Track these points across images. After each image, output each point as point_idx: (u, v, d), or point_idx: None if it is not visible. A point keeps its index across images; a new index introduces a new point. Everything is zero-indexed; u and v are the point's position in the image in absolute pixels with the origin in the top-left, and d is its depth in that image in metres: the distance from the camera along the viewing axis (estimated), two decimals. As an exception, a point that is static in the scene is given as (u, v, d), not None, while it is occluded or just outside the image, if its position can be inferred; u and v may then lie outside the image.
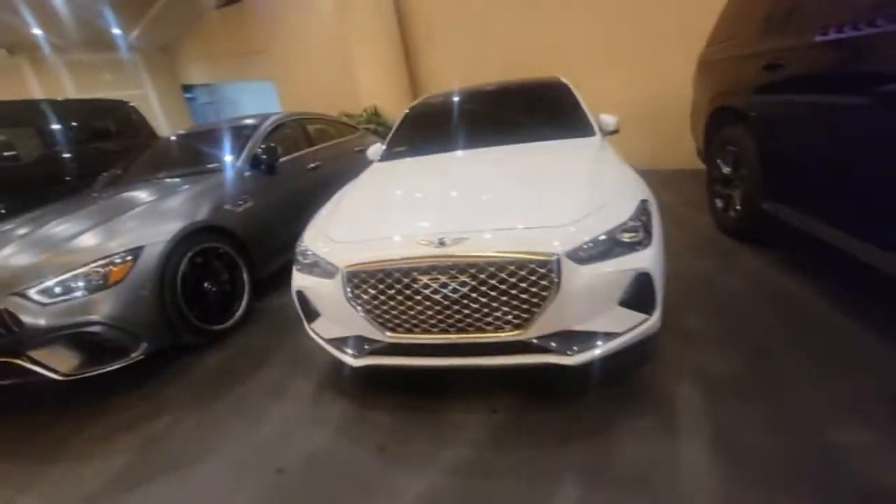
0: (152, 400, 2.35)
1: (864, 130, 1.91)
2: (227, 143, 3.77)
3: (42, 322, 2.20)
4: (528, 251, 1.67)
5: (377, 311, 1.84)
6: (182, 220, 2.73)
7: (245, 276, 3.11)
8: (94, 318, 2.27)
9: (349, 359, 1.98)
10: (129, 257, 2.41)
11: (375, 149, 3.30)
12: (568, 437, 1.67)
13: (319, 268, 2.01)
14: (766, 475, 1.40)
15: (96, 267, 2.33)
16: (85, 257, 2.35)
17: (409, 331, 1.84)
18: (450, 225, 1.84)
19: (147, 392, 2.42)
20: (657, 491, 1.41)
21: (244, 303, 3.07)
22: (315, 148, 4.35)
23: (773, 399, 1.70)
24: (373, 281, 1.82)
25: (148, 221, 2.66)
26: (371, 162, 3.28)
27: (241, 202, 3.19)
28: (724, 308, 2.30)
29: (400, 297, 1.79)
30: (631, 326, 1.77)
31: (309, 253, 2.07)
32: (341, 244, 1.96)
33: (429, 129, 3.31)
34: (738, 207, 3.07)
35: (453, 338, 1.79)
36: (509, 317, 1.72)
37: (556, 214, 1.79)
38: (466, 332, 1.78)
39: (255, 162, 3.51)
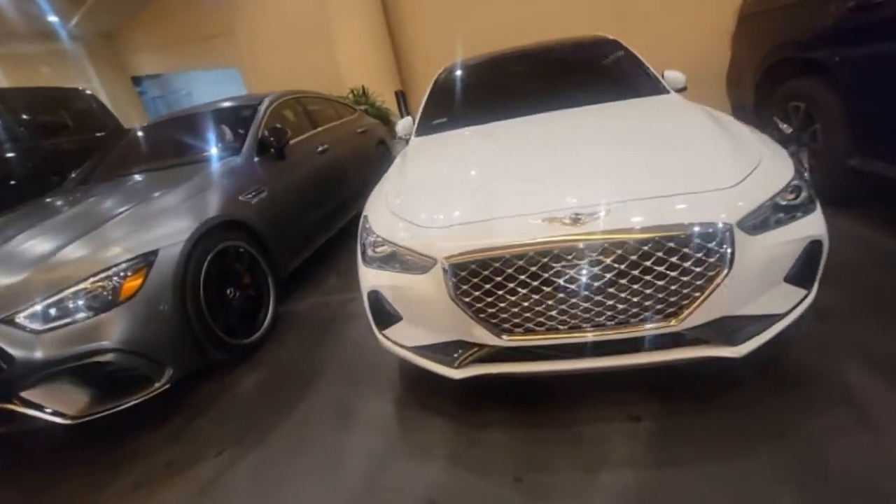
0: (186, 438, 1.91)
1: None
2: (222, 128, 3.26)
3: (38, 354, 1.72)
4: (690, 222, 1.34)
5: (490, 310, 1.48)
6: (196, 216, 2.26)
7: (269, 277, 2.66)
8: (106, 343, 1.80)
9: (448, 370, 1.61)
10: (142, 265, 1.94)
11: (405, 124, 2.89)
12: (747, 443, 1.38)
13: (403, 261, 1.63)
14: None
15: (100, 280, 1.85)
16: (83, 270, 1.86)
17: (529, 331, 1.49)
18: (575, 197, 1.48)
19: (176, 428, 1.98)
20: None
21: (270, 309, 2.63)
22: (319, 130, 3.87)
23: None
24: (486, 273, 1.45)
25: (155, 221, 2.17)
26: (403, 139, 2.88)
27: (253, 192, 2.72)
28: (848, 277, 2.04)
29: (523, 291, 1.43)
30: (793, 305, 1.49)
31: (385, 243, 1.68)
32: (433, 230, 1.57)
33: (471, 96, 2.92)
34: (808, 167, 2.85)
35: (590, 336, 1.46)
36: (661, 305, 1.40)
37: (709, 176, 1.46)
38: (604, 327, 1.44)
39: (262, 146, 3.02)
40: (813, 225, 1.44)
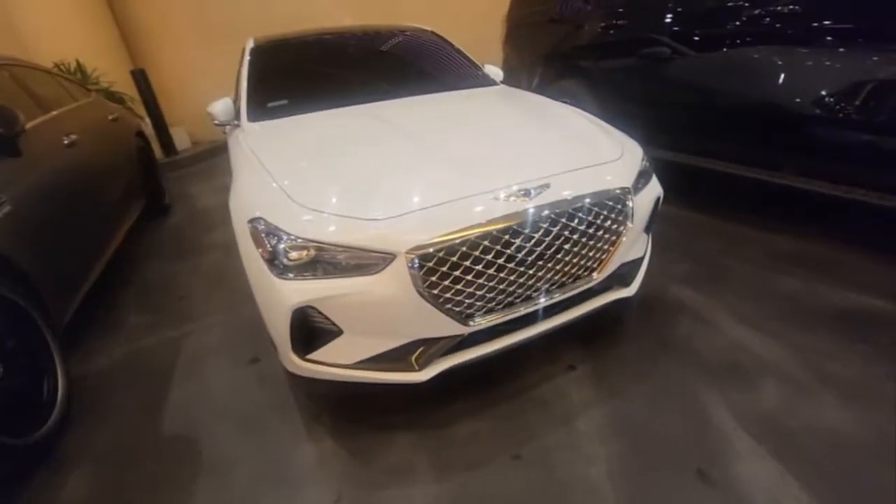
0: None
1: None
2: None
3: None
4: (614, 186, 1.58)
5: (457, 298, 1.40)
6: None
7: (46, 332, 1.77)
8: None
9: (409, 375, 1.46)
10: None
11: (224, 106, 2.34)
12: (652, 360, 1.74)
13: (340, 263, 1.36)
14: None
15: None
16: None
17: (489, 311, 1.48)
18: (506, 176, 1.52)
19: None
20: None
21: (60, 378, 1.77)
22: (56, 114, 2.71)
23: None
24: (453, 259, 1.36)
25: None
26: (225, 124, 2.34)
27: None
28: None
29: (489, 271, 1.41)
30: (645, 248, 1.94)
31: (308, 246, 1.35)
32: (383, 221, 1.35)
33: (301, 79, 2.55)
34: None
35: (541, 303, 1.55)
36: (590, 262, 1.61)
37: (599, 152, 1.73)
38: (550, 293, 1.57)
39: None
40: (657, 185, 1.89)
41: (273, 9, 6.18)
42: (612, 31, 3.17)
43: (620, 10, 3.12)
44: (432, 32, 3.04)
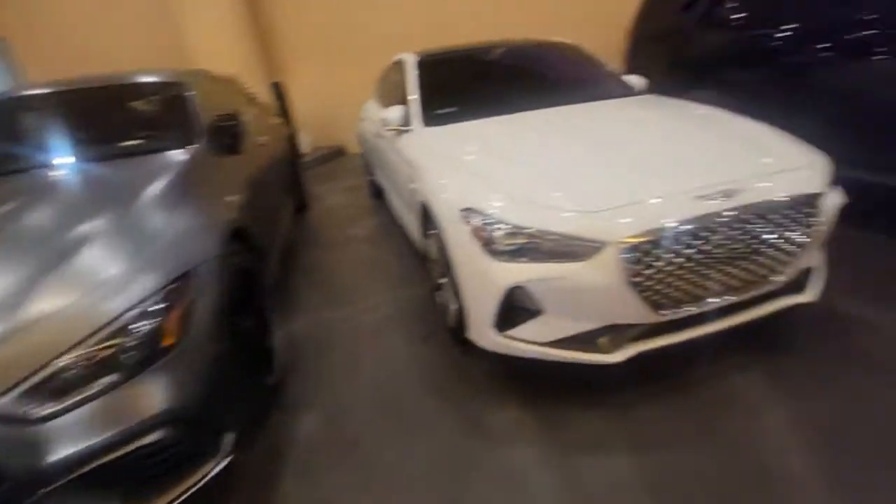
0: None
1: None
2: (149, 111, 2.44)
3: (48, 457, 1.06)
4: (801, 192, 1.62)
5: (656, 288, 1.52)
6: (212, 223, 1.67)
7: (267, 294, 2.13)
8: (155, 413, 1.21)
9: (602, 356, 1.59)
10: (180, 295, 1.35)
11: (397, 112, 2.64)
12: (832, 372, 1.74)
13: (550, 249, 1.53)
14: None
15: (131, 321, 1.22)
16: (99, 309, 1.21)
17: (679, 302, 1.58)
18: (699, 178, 1.62)
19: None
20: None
21: (278, 335, 2.11)
22: (248, 118, 3.20)
23: None
24: (657, 252, 1.49)
25: (164, 231, 1.52)
26: (395, 130, 2.64)
27: (233, 191, 2.13)
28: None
29: (687, 265, 1.52)
30: (821, 257, 1.93)
31: (522, 233, 1.55)
32: (596, 214, 1.52)
33: (465, 90, 2.83)
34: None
35: (727, 300, 1.63)
36: (776, 264, 1.66)
37: (787, 158, 1.77)
38: (736, 291, 1.63)
39: (214, 138, 2.37)
40: (839, 194, 1.88)
41: (379, 30, 6.64)
42: (754, 39, 3.13)
43: (765, 18, 3.08)
44: (574, 46, 3.20)
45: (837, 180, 1.80)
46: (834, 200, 1.77)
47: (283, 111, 6.15)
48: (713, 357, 1.83)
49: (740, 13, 3.25)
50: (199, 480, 1.31)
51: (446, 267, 1.98)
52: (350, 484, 1.51)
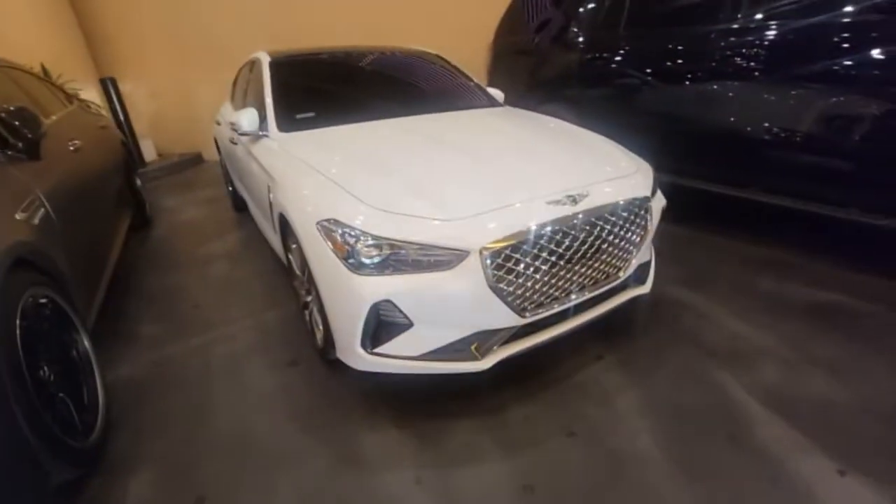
0: None
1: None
2: None
3: None
4: (643, 195, 1.82)
5: (518, 292, 1.56)
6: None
7: (84, 335, 1.74)
8: None
9: (471, 364, 1.59)
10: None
11: (250, 116, 2.39)
12: (673, 350, 1.97)
13: (415, 260, 1.49)
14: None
15: None
16: None
17: (539, 305, 1.65)
18: (547, 184, 1.71)
19: None
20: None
21: (99, 382, 1.73)
22: (55, 119, 2.63)
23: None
24: (517, 256, 1.52)
25: None
26: (248, 134, 2.39)
27: (27, 208, 1.69)
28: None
29: (544, 268, 1.59)
30: (651, 252, 2.20)
31: (384, 244, 1.47)
32: (456, 222, 1.50)
33: (323, 95, 2.65)
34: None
35: (581, 298, 1.74)
36: (618, 261, 1.83)
37: (622, 165, 1.97)
38: (588, 289, 1.76)
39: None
40: (662, 197, 2.16)
41: (235, 30, 6.11)
42: (596, 62, 3.53)
43: (602, 44, 3.49)
44: (438, 56, 3.25)
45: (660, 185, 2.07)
46: (659, 203, 2.02)
47: (116, 113, 5.29)
48: (567, 353, 1.96)
49: (582, 38, 3.64)
50: None
51: (311, 283, 1.82)
52: (194, 552, 1.26)
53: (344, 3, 5.99)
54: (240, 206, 3.90)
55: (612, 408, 1.68)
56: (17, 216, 1.57)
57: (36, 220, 1.67)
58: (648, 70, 3.15)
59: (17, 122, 1.91)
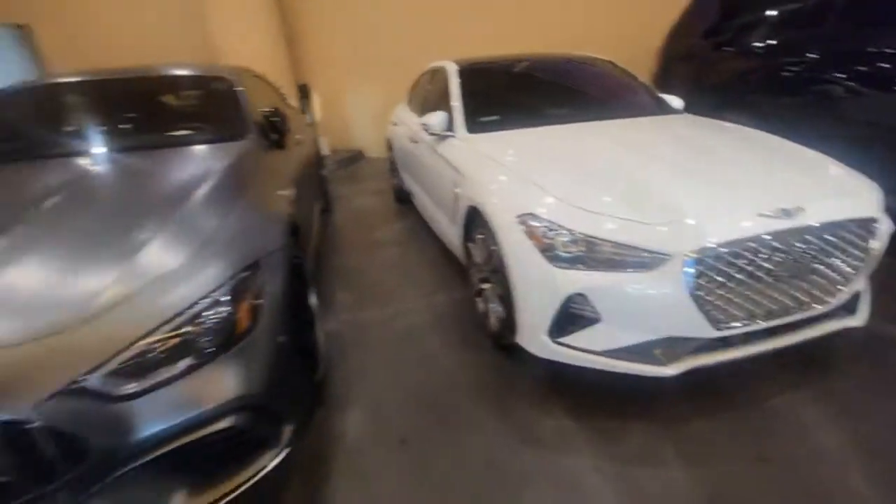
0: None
1: None
2: (199, 103, 2.47)
3: (130, 435, 1.06)
4: (858, 216, 1.64)
5: (716, 303, 1.53)
6: (274, 215, 1.70)
7: (312, 290, 2.14)
8: (229, 399, 1.21)
9: (657, 368, 1.59)
10: (250, 285, 1.35)
11: (440, 118, 2.67)
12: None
13: (612, 259, 1.55)
14: None
15: (204, 309, 1.22)
16: (173, 298, 1.21)
17: (737, 319, 1.59)
18: (766, 196, 1.63)
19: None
20: None
21: (319, 331, 2.11)
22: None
23: None
24: (720, 266, 1.50)
25: (228, 222, 1.52)
26: (437, 135, 2.66)
27: (285, 186, 2.14)
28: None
29: (748, 282, 1.53)
30: (866, 282, 1.94)
31: (584, 241, 1.56)
32: (661, 227, 1.53)
33: (505, 100, 2.87)
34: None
35: (783, 320, 1.63)
36: (830, 286, 1.67)
37: (842, 182, 1.80)
38: (791, 312, 1.64)
39: (262, 133, 2.39)
40: (889, 221, 1.89)
41: (399, 41, 6.69)
42: (781, 67, 3.18)
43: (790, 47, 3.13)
44: (610, 62, 3.25)
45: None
46: (887, 226, 1.79)
47: (305, 113, 6.21)
48: (761, 375, 1.84)
49: (766, 41, 3.32)
50: (260, 471, 1.30)
51: (493, 272, 2.00)
52: (402, 485, 1.50)
53: (491, 15, 6.25)
54: (402, 198, 4.33)
55: (812, 440, 1.55)
56: (284, 193, 2.01)
57: (290, 198, 2.12)
58: (866, 72, 2.74)
59: (272, 120, 2.42)
